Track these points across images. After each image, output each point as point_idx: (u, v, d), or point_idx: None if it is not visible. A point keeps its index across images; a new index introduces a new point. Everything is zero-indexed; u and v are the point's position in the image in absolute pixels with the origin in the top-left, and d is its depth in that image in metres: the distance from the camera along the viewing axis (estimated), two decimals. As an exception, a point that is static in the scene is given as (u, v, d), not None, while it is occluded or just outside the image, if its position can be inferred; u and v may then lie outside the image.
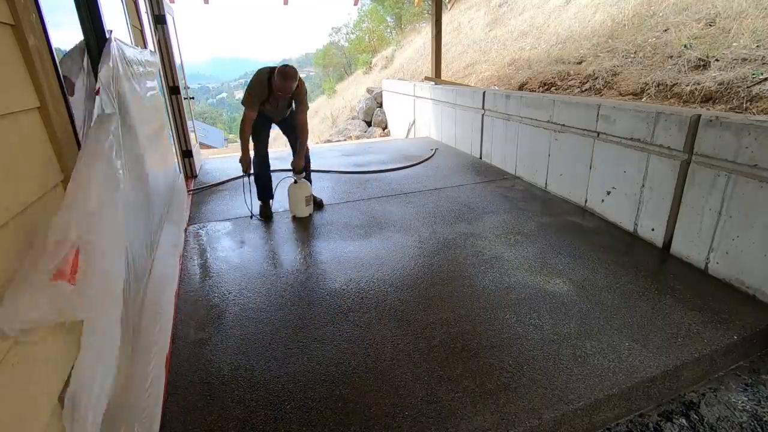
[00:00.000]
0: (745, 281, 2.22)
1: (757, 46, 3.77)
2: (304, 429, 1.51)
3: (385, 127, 8.95)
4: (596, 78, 4.85)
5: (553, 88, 5.44)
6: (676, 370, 1.75)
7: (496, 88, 6.25)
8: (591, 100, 3.39)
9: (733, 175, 2.22)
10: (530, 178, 4.12)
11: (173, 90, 4.40)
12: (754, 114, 3.20)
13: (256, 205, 3.54)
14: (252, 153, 3.37)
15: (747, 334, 1.92)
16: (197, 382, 1.75)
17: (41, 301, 0.77)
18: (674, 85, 3.97)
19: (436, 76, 6.66)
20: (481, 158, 5.08)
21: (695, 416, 1.69)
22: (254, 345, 1.95)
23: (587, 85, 4.92)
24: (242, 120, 3.13)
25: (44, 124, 1.03)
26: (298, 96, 3.14)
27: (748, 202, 2.15)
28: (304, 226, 3.29)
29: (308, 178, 3.61)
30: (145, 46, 3.26)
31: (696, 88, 3.74)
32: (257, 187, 3.50)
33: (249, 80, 3.11)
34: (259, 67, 3.10)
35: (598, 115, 3.10)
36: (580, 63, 5.46)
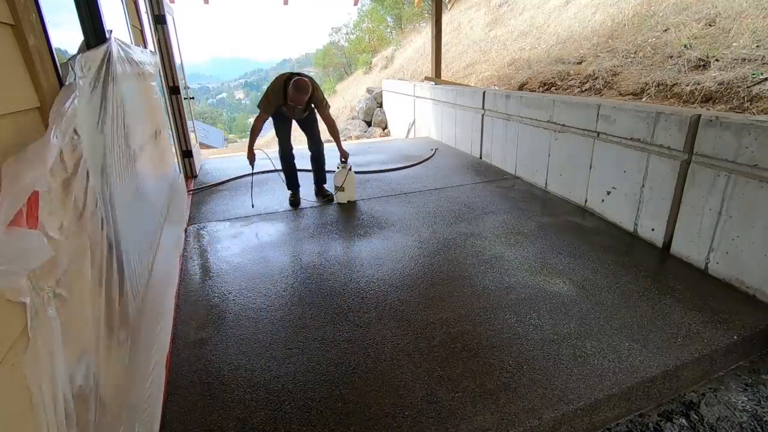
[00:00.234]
0: (745, 281, 2.22)
1: (757, 46, 3.77)
2: (304, 429, 1.51)
3: (385, 127, 8.95)
4: (596, 78, 4.85)
5: (553, 88, 5.44)
6: (676, 370, 1.75)
7: (496, 88, 6.25)
8: (591, 100, 3.39)
9: (733, 175, 2.22)
10: (530, 178, 4.12)
11: (173, 90, 4.40)
12: (754, 114, 3.20)
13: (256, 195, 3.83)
14: (278, 149, 3.70)
15: (747, 334, 1.92)
16: (197, 382, 1.75)
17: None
18: (674, 85, 3.97)
19: (436, 76, 6.66)
20: (481, 158, 5.08)
21: (695, 416, 1.69)
22: (254, 345, 1.95)
23: (587, 85, 4.92)
24: (255, 119, 3.39)
25: (44, 124, 1.03)
26: (316, 101, 3.39)
27: (748, 202, 2.15)
28: (304, 226, 3.30)
29: (323, 179, 3.89)
30: (145, 46, 3.26)
31: (696, 88, 3.74)
32: (285, 178, 3.78)
33: (266, 90, 3.33)
34: (278, 73, 3.35)
35: (598, 115, 3.10)
36: (580, 63, 5.46)
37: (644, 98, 4.15)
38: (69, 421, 0.87)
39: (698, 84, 3.75)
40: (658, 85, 4.10)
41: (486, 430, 1.48)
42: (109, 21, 1.93)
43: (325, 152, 3.83)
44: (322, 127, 3.73)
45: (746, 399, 1.75)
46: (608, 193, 3.12)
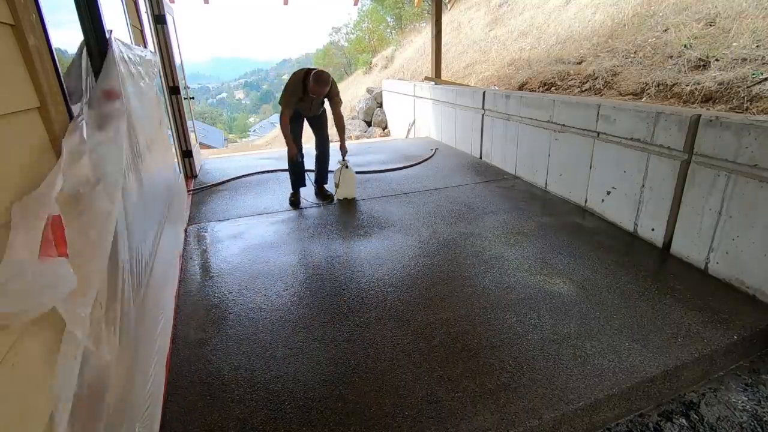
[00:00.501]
0: (745, 281, 2.22)
1: (757, 46, 3.77)
2: (304, 429, 1.51)
3: (385, 127, 8.95)
4: (596, 78, 4.85)
5: (553, 88, 5.44)
6: (676, 370, 1.75)
7: (496, 88, 6.25)
8: (591, 100, 3.39)
9: (733, 175, 2.22)
10: (530, 178, 4.12)
11: (173, 90, 4.40)
12: (754, 114, 3.20)
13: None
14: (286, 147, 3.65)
15: (747, 334, 1.92)
16: (197, 382, 1.75)
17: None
18: (674, 85, 3.97)
19: (436, 76, 6.66)
20: (481, 158, 5.08)
21: (695, 416, 1.69)
22: (254, 345, 1.95)
23: (587, 85, 4.92)
24: (280, 117, 3.43)
25: (44, 124, 1.03)
26: (332, 94, 3.46)
27: (748, 202, 2.15)
28: (304, 226, 3.30)
29: (325, 178, 3.89)
30: (145, 46, 3.26)
31: (696, 88, 3.73)
32: (291, 177, 3.76)
33: (285, 86, 3.38)
34: (295, 69, 3.41)
35: (598, 115, 3.10)
36: (580, 63, 5.46)
37: (644, 98, 4.15)
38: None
39: (698, 84, 3.75)
40: (658, 85, 4.10)
41: (486, 430, 1.48)
42: (109, 21, 1.93)
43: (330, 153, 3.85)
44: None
45: (746, 399, 1.75)
46: (608, 193, 3.12)
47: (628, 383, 1.66)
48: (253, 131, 41.13)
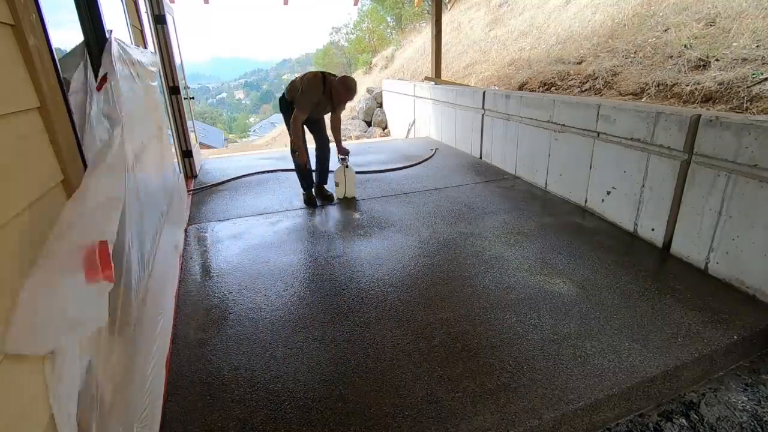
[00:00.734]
0: (745, 281, 2.22)
1: (757, 46, 3.77)
2: (304, 429, 1.51)
3: (385, 127, 8.95)
4: (596, 78, 4.85)
5: (553, 88, 5.44)
6: (676, 370, 1.75)
7: (496, 88, 6.25)
8: (591, 100, 3.39)
9: (733, 175, 2.22)
10: (530, 178, 4.12)
11: (173, 90, 4.40)
12: (754, 114, 3.20)
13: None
14: (290, 148, 3.64)
15: (747, 334, 1.92)
16: (197, 382, 1.75)
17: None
18: (674, 85, 3.97)
19: (436, 76, 6.66)
20: (481, 158, 5.08)
21: (695, 416, 1.69)
22: (254, 345, 1.95)
23: (587, 85, 4.92)
24: (294, 121, 3.31)
25: (44, 124, 1.03)
26: (340, 108, 3.56)
27: (748, 202, 2.15)
28: (304, 226, 3.30)
29: (325, 178, 3.89)
30: (145, 46, 3.26)
31: (696, 88, 3.73)
32: (300, 179, 3.76)
33: (299, 86, 3.29)
34: (308, 71, 3.35)
35: (598, 115, 3.10)
36: (580, 63, 5.46)
37: (644, 98, 4.15)
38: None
39: (698, 84, 3.75)
40: (658, 85, 4.10)
41: (486, 430, 1.48)
42: (109, 21, 1.93)
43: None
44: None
45: (746, 399, 1.75)
46: (608, 193, 3.12)
47: (628, 383, 1.66)
48: (253, 131, 41.15)
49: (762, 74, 3.43)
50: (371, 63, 15.66)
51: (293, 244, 2.99)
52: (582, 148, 3.31)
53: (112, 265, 0.88)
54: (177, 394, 1.68)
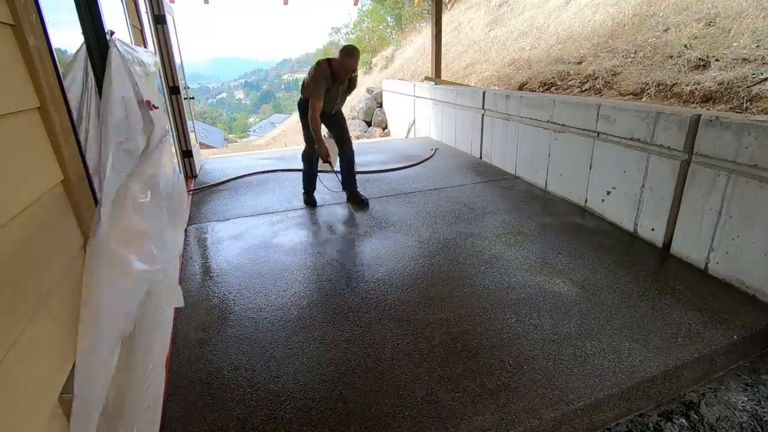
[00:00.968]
0: (745, 281, 2.22)
1: (757, 46, 3.77)
2: (304, 429, 1.51)
3: (385, 127, 8.95)
4: (596, 78, 4.85)
5: (553, 88, 5.44)
6: (676, 370, 1.75)
7: (496, 88, 6.25)
8: (591, 100, 3.39)
9: (733, 175, 2.22)
10: (530, 178, 4.12)
11: (173, 90, 4.40)
12: (754, 114, 3.20)
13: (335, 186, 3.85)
14: (305, 148, 3.63)
15: (747, 334, 1.92)
16: (197, 382, 1.75)
17: None
18: (674, 85, 3.97)
19: (436, 76, 6.66)
20: (481, 158, 5.08)
21: (695, 416, 1.69)
22: (254, 345, 1.95)
23: (587, 85, 4.92)
24: (312, 111, 3.21)
25: (44, 124, 1.03)
26: (355, 79, 3.47)
27: (748, 202, 2.15)
28: (304, 225, 3.29)
29: (354, 183, 3.78)
30: (145, 46, 3.26)
31: (696, 88, 3.73)
32: (305, 179, 3.74)
33: (312, 75, 3.24)
34: (317, 60, 3.29)
35: (598, 115, 3.10)
36: (580, 63, 5.46)
37: (644, 98, 4.15)
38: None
39: (698, 84, 3.75)
40: (658, 85, 4.10)
41: (486, 430, 1.48)
42: (109, 21, 1.93)
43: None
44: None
45: (746, 399, 1.75)
46: (608, 193, 3.12)
47: (628, 383, 1.66)
48: (253, 131, 41.16)
49: (762, 74, 3.43)
50: (371, 63, 15.66)
51: (293, 244, 2.99)
52: (582, 148, 3.31)
53: None
54: (177, 394, 1.68)
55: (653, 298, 2.20)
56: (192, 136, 4.87)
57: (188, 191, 4.09)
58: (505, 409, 1.56)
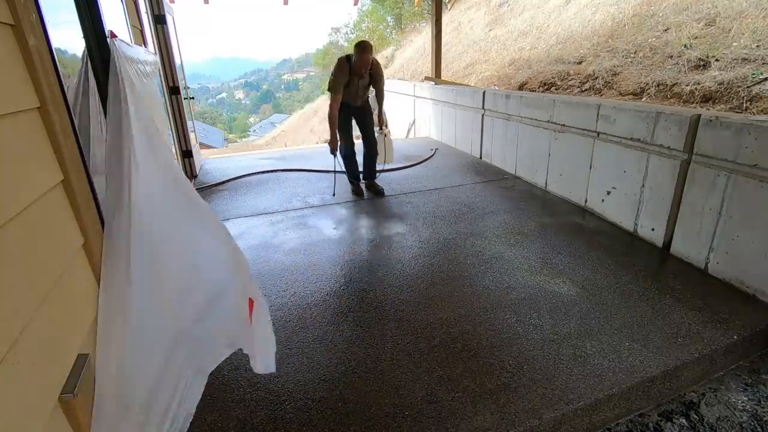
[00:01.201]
0: (745, 281, 2.22)
1: (757, 46, 3.77)
2: (304, 429, 1.51)
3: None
4: (596, 78, 4.85)
5: (553, 88, 5.44)
6: (676, 370, 1.75)
7: (496, 88, 6.25)
8: (591, 100, 3.39)
9: (733, 175, 2.22)
10: (530, 178, 4.12)
11: (173, 90, 4.40)
12: (754, 114, 3.20)
13: (341, 185, 4.09)
14: (343, 144, 3.83)
15: (747, 334, 1.92)
16: (197, 382, 1.74)
17: None
18: (674, 85, 3.97)
19: (436, 76, 6.66)
20: (481, 158, 5.08)
21: (695, 416, 1.69)
22: (254, 345, 1.95)
23: (587, 85, 4.92)
24: (330, 105, 3.52)
25: (44, 124, 1.03)
26: (377, 74, 3.64)
27: (748, 202, 2.15)
28: (304, 225, 3.30)
29: (374, 174, 4.04)
30: (145, 46, 3.26)
31: (696, 88, 3.73)
32: (348, 171, 3.97)
33: (333, 71, 3.49)
34: (338, 57, 3.56)
35: (598, 115, 3.10)
36: (580, 63, 5.46)
37: (644, 98, 4.15)
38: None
39: (698, 84, 3.75)
40: (658, 85, 4.10)
41: (486, 430, 1.48)
42: (109, 21, 1.93)
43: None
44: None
45: (746, 399, 1.75)
46: (608, 193, 3.12)
47: (628, 383, 1.66)
48: (253, 131, 41.17)
49: (762, 74, 3.43)
50: (371, 63, 15.63)
51: (293, 244, 2.99)
52: (582, 148, 3.31)
53: None
54: (177, 394, 1.68)
55: (653, 298, 2.20)
56: (192, 136, 4.87)
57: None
58: (505, 409, 1.56)
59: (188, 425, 1.22)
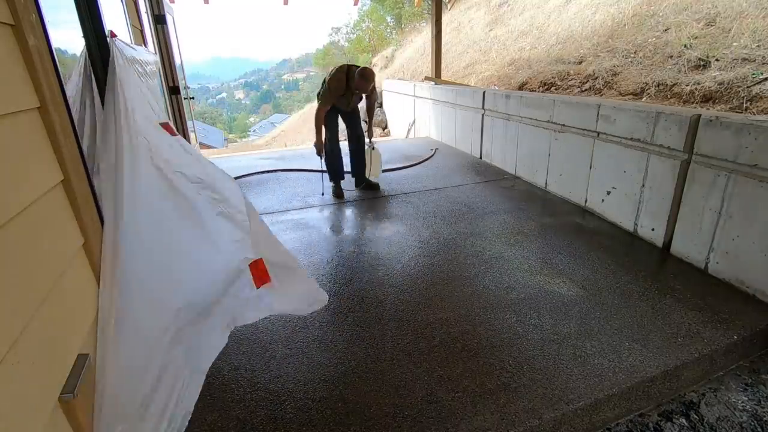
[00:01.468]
0: (745, 281, 2.22)
1: (757, 46, 3.77)
2: (304, 429, 1.51)
3: (385, 127, 8.95)
4: (596, 78, 4.85)
5: (553, 88, 5.44)
6: (676, 370, 1.75)
7: (496, 88, 6.25)
8: (591, 100, 3.39)
9: (733, 174, 2.22)
10: (530, 178, 4.12)
11: (173, 90, 4.40)
12: (754, 114, 3.20)
13: (328, 186, 4.08)
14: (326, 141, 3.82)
15: (747, 334, 1.92)
16: (197, 382, 1.74)
17: None
18: (674, 85, 3.97)
19: (436, 76, 6.66)
20: (481, 158, 5.08)
21: (695, 416, 1.69)
22: (254, 345, 1.95)
23: (587, 85, 4.92)
24: (317, 111, 3.58)
25: (44, 124, 1.03)
26: (372, 95, 3.77)
27: (748, 202, 2.15)
28: (303, 225, 3.29)
29: (363, 171, 4.05)
30: (145, 46, 3.26)
31: (696, 88, 3.73)
32: (330, 170, 3.96)
33: (329, 85, 3.48)
34: (338, 65, 3.57)
35: (598, 115, 3.10)
36: (580, 63, 5.46)
37: (644, 98, 4.15)
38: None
39: (698, 84, 3.75)
40: (658, 85, 4.09)
41: (486, 430, 1.48)
42: (109, 21, 1.93)
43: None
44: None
45: (746, 399, 1.75)
46: (608, 193, 3.12)
47: (628, 383, 1.66)
48: (253, 131, 41.15)
49: (762, 74, 3.43)
50: (371, 63, 15.65)
51: (293, 244, 2.99)
52: (582, 148, 3.31)
53: None
54: (177, 394, 1.68)
55: (653, 298, 2.20)
56: (192, 136, 4.88)
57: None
58: (505, 409, 1.56)
59: (187, 423, 1.22)
